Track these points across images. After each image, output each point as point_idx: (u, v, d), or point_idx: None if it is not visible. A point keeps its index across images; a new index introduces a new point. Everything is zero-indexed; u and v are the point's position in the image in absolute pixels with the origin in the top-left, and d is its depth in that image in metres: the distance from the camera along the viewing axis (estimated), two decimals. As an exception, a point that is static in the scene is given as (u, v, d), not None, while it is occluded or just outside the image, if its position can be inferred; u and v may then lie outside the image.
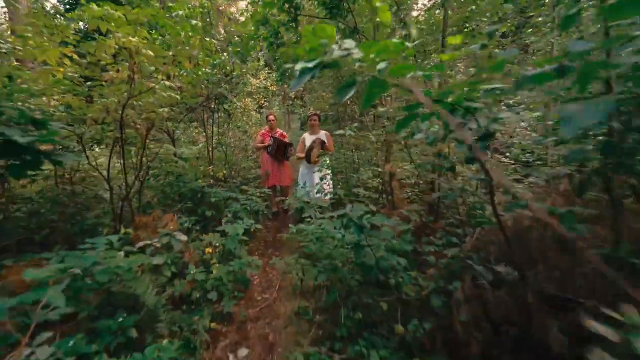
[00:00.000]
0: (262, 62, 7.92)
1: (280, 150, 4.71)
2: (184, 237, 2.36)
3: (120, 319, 1.68)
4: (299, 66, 0.81)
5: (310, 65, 0.79)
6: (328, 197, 3.49)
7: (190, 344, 1.88)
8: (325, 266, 2.03)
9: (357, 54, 0.87)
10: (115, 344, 1.59)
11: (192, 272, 2.41)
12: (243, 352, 2.16)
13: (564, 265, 1.51)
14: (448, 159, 1.87)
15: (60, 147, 2.26)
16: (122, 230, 2.45)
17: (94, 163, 2.96)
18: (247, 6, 5.57)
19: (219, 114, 5.97)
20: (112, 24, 1.85)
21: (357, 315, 1.84)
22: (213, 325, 2.30)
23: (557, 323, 1.23)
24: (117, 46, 1.95)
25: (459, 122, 1.25)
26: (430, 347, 1.63)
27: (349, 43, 0.92)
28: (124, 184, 2.89)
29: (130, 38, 1.87)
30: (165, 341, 1.67)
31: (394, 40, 0.94)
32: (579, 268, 1.47)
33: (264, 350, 2.19)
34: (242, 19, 6.60)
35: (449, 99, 1.25)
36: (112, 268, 1.75)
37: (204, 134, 5.67)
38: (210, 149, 5.22)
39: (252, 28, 3.80)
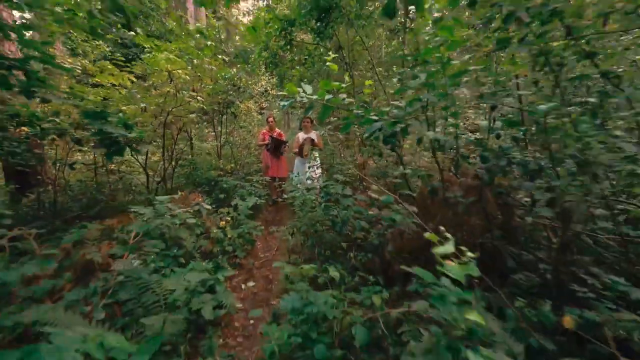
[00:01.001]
0: (263, 69, 8.88)
1: (277, 148, 5.66)
2: (208, 207, 3.32)
3: (175, 251, 2.65)
4: (282, 103, 1.77)
5: (286, 102, 1.75)
6: (321, 180, 4.44)
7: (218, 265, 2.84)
8: (306, 223, 2.99)
9: (310, 95, 1.83)
10: (174, 264, 2.56)
11: (213, 231, 3.37)
12: (251, 284, 3.13)
13: (449, 216, 2.47)
14: (377, 148, 2.85)
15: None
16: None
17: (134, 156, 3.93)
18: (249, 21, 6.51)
19: (227, 116, 6.94)
20: (169, 66, 2.81)
21: (327, 253, 2.80)
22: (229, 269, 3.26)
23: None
24: (167, 73, 2.91)
25: (377, 126, 2.20)
26: (370, 268, 2.59)
27: (308, 88, 1.88)
28: (159, 170, 3.86)
29: (179, 71, 2.82)
30: (200, 262, 2.63)
31: (342, 82, 1.90)
32: (459, 218, 2.43)
33: (265, 283, 3.16)
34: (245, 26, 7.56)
35: (373, 114, 2.20)
36: (167, 221, 2.71)
37: (213, 133, 6.64)
38: (219, 145, 6.19)
39: (257, 54, 4.75)
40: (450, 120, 2.04)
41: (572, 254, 1.83)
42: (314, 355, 1.46)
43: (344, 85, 1.97)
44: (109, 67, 2.86)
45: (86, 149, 4.43)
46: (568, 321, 1.25)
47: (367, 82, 2.15)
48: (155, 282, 2.03)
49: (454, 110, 1.91)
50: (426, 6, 2.47)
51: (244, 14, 22.30)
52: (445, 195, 2.36)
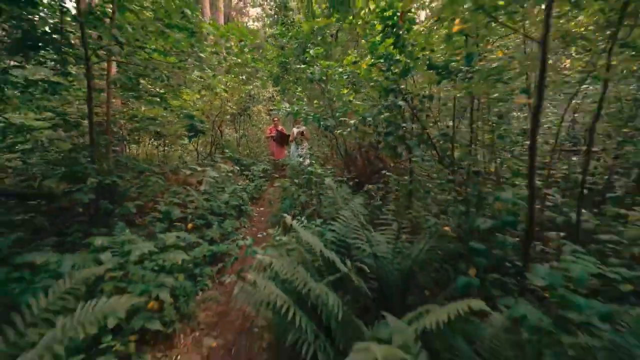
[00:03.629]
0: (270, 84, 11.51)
1: (280, 139, 8.25)
2: (237, 168, 5.92)
3: (225, 195, 5.25)
4: (280, 111, 4.34)
5: (278, 111, 4.32)
6: (307, 162, 7.00)
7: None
8: (292, 175, 5.57)
9: (287, 107, 4.38)
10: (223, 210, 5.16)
11: (239, 184, 5.97)
12: (260, 209, 5.71)
13: (356, 165, 5.01)
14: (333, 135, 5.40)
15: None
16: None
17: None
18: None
19: (243, 117, 9.56)
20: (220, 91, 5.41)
21: (300, 185, 5.38)
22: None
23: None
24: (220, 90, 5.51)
25: (310, 120, 4.72)
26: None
27: (286, 104, 4.44)
28: (206, 149, 6.47)
29: (227, 93, 5.40)
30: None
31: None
32: (370, 167, 4.96)
33: (266, 207, 5.73)
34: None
35: (312, 114, 4.74)
36: (218, 173, 5.29)
37: (234, 128, 9.28)
38: (238, 137, 8.82)
39: (266, 78, 7.35)
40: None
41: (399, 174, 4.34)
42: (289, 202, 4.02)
43: (304, 101, 4.55)
44: (188, 90, 5.45)
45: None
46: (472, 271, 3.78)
47: (316, 102, 4.72)
48: (220, 190, 4.62)
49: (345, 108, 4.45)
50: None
51: (253, 20, 25.01)
52: (354, 156, 4.91)
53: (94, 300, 1.58)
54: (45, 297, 1.67)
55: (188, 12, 3.94)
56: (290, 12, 7.91)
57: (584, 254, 1.48)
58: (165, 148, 7.13)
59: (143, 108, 5.54)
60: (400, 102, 2.45)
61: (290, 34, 6.59)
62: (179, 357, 2.09)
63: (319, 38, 5.16)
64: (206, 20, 6.65)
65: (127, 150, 6.33)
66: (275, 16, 10.17)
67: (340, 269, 1.66)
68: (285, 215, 2.48)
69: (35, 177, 3.76)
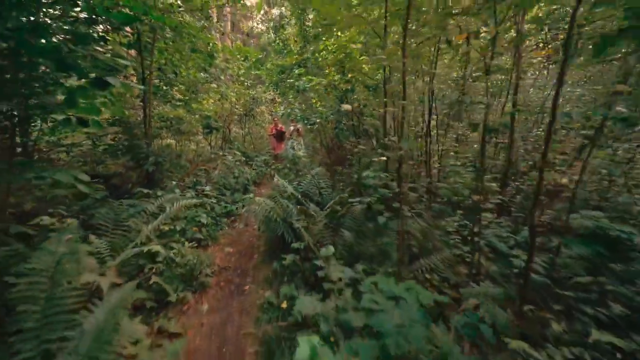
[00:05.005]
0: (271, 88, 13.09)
1: (279, 136, 9.84)
2: (243, 158, 7.50)
3: (234, 173, 6.85)
4: (279, 112, 5.91)
5: (277, 113, 5.89)
6: (302, 152, 8.58)
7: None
8: (286, 163, 7.14)
9: (282, 110, 5.94)
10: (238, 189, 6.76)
11: (245, 170, 7.56)
12: (262, 191, 7.30)
13: (335, 154, 6.56)
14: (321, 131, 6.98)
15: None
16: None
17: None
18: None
19: (248, 117, 11.16)
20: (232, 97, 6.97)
21: (295, 171, 6.95)
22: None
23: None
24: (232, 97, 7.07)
25: (299, 119, 6.27)
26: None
27: (281, 109, 6.00)
28: (218, 144, 8.07)
29: (235, 98, 6.95)
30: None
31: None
32: (342, 154, 6.53)
33: (267, 188, 7.32)
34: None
35: (300, 115, 6.30)
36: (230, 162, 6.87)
37: (240, 126, 10.89)
38: (244, 135, 10.42)
39: (268, 85, 8.96)
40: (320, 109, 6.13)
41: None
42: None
43: (296, 104, 6.12)
44: (204, 96, 7.03)
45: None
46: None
47: (303, 105, 6.29)
48: (231, 173, 6.21)
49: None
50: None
51: (258, 23, 26.66)
52: (332, 147, 6.47)
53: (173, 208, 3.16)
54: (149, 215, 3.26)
55: (207, 42, 5.54)
56: (287, 30, 9.50)
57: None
58: (185, 142, 8.75)
59: (166, 109, 7.15)
60: (346, 107, 4.01)
61: (286, 55, 8.19)
62: (211, 253, 3.67)
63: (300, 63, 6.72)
64: (221, 33, 8.29)
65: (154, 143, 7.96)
66: (276, 26, 11.74)
67: (291, 191, 3.25)
68: (275, 176, 4.06)
69: (100, 161, 5.37)
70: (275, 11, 16.59)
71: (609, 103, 2.15)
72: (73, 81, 2.16)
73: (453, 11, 1.89)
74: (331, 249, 2.21)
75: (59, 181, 2.24)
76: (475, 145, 4.96)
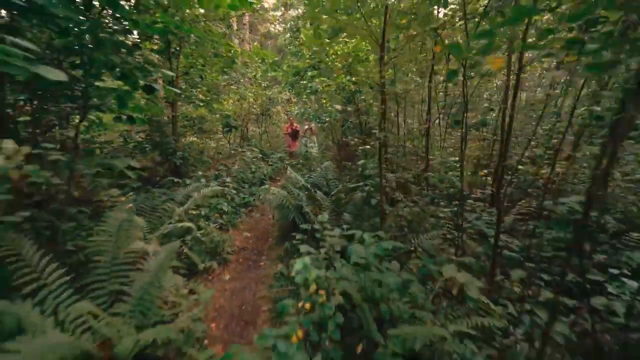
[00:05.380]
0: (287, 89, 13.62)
1: (293, 135, 10.32)
2: (260, 155, 8.02)
3: (251, 168, 7.36)
4: (295, 112, 6.37)
5: (293, 113, 6.35)
6: (314, 149, 9.02)
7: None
8: (300, 158, 7.60)
9: (298, 109, 6.39)
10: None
11: (262, 166, 8.07)
12: (279, 183, 7.79)
13: (344, 151, 6.96)
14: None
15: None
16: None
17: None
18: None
19: (264, 116, 11.71)
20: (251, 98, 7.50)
21: (307, 165, 7.40)
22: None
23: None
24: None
25: (313, 118, 6.69)
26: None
27: (295, 109, 6.44)
28: (236, 142, 8.63)
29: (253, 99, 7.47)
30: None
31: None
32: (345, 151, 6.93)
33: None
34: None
35: (312, 114, 6.73)
36: (249, 157, 7.39)
37: (257, 125, 11.45)
38: (260, 133, 10.98)
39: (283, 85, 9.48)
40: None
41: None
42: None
43: (309, 104, 6.56)
44: (225, 97, 7.60)
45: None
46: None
47: (316, 105, 6.72)
48: (248, 169, 6.72)
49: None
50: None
51: (275, 24, 27.36)
52: (342, 145, 6.87)
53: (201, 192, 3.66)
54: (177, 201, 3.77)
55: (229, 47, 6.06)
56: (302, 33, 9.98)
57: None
58: (205, 140, 9.38)
59: (190, 109, 7.76)
60: (350, 108, 4.41)
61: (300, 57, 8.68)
62: (232, 235, 4.16)
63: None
64: (240, 40, 8.87)
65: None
66: (292, 29, 12.23)
67: (302, 182, 3.69)
68: (289, 169, 4.51)
69: (131, 157, 5.99)
70: (292, 12, 17.10)
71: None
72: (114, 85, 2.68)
73: (432, 26, 2.24)
74: (326, 215, 2.62)
75: (100, 171, 2.79)
76: (479, 143, 5.23)
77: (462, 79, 2.30)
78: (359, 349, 1.67)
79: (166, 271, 2.08)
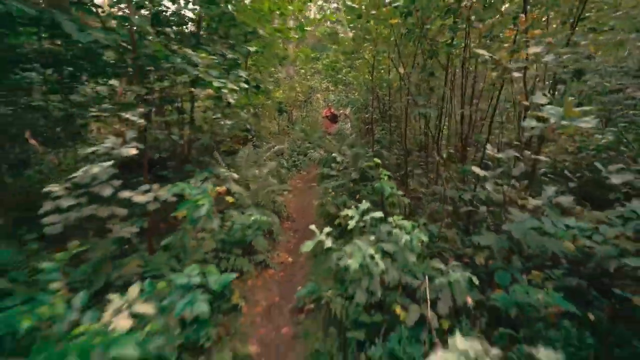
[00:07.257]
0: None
1: (331, 118, 12.38)
2: (303, 134, 10.21)
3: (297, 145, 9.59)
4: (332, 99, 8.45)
5: (330, 101, 8.44)
6: (348, 129, 11.05)
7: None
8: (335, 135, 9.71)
9: (334, 97, 8.43)
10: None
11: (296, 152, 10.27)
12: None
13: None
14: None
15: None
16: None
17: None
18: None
19: (307, 103, 13.88)
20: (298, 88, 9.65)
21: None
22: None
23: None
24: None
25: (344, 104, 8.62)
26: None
27: (332, 97, 8.48)
28: (283, 124, 10.90)
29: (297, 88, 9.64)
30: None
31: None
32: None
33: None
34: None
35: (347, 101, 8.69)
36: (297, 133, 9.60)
37: (301, 111, 13.70)
38: (303, 117, 13.22)
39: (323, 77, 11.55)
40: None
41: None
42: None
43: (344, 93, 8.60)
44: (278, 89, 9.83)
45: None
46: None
47: (349, 94, 8.70)
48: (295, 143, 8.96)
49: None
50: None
51: (315, 14, 29.17)
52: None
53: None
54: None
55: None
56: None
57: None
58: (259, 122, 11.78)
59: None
60: (369, 97, 6.38)
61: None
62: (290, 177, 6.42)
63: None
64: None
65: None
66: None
67: (335, 155, 5.85)
68: (327, 138, 6.67)
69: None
70: (333, 5, 18.81)
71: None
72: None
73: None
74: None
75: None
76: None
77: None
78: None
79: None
